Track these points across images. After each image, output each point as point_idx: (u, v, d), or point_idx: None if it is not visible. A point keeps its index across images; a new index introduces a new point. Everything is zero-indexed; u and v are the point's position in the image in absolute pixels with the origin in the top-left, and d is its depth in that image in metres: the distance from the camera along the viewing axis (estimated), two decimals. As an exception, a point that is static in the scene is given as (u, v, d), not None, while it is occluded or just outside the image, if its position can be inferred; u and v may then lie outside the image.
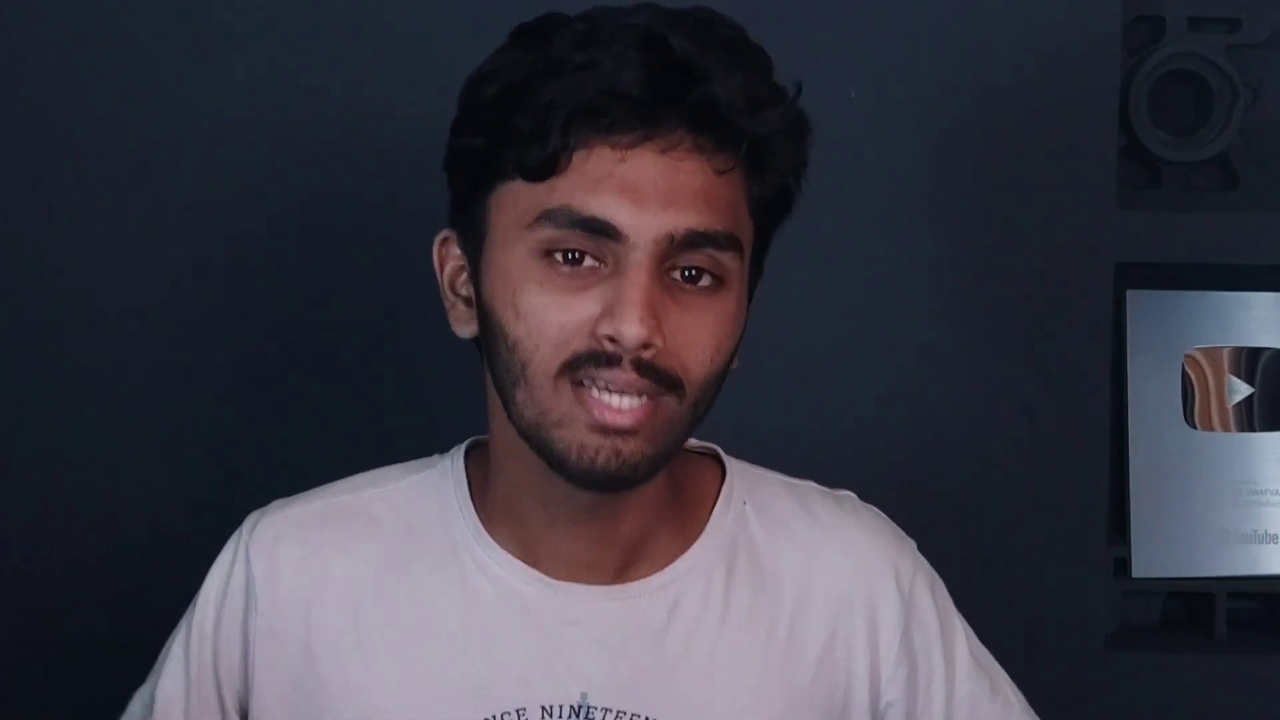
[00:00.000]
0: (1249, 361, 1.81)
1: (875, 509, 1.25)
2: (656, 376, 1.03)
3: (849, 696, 1.18)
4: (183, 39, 1.58)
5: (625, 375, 1.02)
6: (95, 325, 1.59)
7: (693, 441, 1.18)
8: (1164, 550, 1.78)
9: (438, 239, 1.13)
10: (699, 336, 1.04)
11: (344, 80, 1.59)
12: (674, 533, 1.16)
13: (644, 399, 1.03)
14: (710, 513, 1.18)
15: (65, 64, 1.57)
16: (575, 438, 1.04)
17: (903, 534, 1.24)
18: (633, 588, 1.14)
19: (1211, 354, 1.81)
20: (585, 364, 1.02)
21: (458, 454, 1.19)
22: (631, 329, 1.00)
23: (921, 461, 1.68)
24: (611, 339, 1.01)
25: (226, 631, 1.17)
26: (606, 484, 1.05)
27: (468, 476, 1.17)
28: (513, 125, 1.03)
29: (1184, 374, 1.80)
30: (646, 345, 1.01)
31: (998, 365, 1.69)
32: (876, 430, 1.67)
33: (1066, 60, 1.66)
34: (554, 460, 1.05)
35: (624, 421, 1.03)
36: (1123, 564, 1.77)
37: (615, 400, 1.03)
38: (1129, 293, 1.77)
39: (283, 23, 1.59)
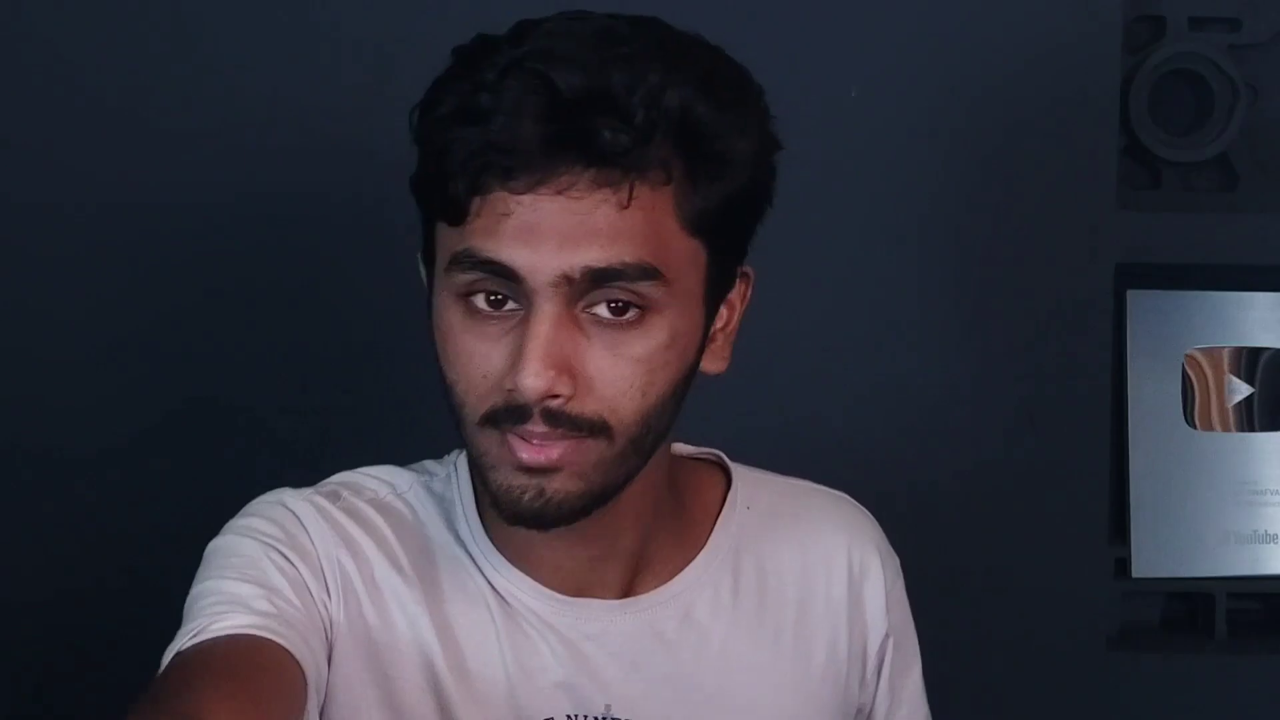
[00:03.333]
0: (1249, 361, 1.81)
1: (868, 514, 1.25)
2: (572, 423, 1.01)
3: (849, 696, 1.20)
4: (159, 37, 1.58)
5: (536, 428, 1.01)
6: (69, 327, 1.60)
7: (693, 449, 1.19)
8: (1164, 550, 1.78)
9: (419, 254, 1.11)
10: (623, 374, 1.02)
11: (345, 82, 1.59)
12: (678, 542, 1.16)
13: (564, 443, 1.02)
14: (715, 520, 1.18)
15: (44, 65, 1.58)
16: (504, 479, 1.03)
17: (889, 547, 1.24)
18: (642, 600, 1.14)
19: (1211, 354, 1.80)
20: (501, 419, 1.02)
21: (460, 464, 1.16)
22: (528, 381, 0.99)
23: (921, 462, 1.67)
24: (511, 392, 1.01)
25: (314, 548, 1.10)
26: (535, 523, 1.04)
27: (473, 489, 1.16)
28: (426, 171, 1.03)
29: (1184, 374, 1.80)
30: (552, 395, 1.00)
31: (998, 365, 1.69)
32: (876, 431, 1.67)
33: (1067, 60, 1.66)
34: (492, 501, 1.05)
35: (544, 458, 1.02)
36: (1123, 564, 1.77)
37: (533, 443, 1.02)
38: (1129, 293, 1.77)
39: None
